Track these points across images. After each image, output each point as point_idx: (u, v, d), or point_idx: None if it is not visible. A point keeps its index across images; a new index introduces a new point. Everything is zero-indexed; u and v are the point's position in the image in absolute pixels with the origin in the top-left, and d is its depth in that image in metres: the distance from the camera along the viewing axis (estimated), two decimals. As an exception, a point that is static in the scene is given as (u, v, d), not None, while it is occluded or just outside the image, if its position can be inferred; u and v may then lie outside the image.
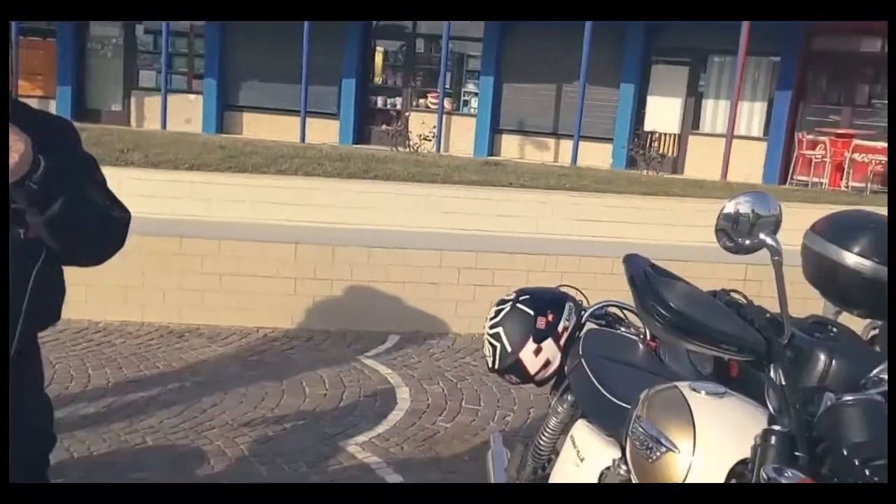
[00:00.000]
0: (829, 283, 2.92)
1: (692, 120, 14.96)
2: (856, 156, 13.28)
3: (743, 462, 1.57)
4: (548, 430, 2.60)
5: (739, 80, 13.33)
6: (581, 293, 2.78)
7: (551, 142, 15.58)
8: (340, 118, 16.21)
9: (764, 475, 1.47)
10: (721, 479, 1.59)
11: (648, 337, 2.49)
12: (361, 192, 6.27)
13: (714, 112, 14.87)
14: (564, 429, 2.52)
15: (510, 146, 15.72)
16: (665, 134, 15.00)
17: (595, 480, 2.05)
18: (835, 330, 2.64)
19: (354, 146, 14.33)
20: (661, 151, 14.69)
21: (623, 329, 2.64)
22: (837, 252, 2.78)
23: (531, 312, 2.57)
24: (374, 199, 6.26)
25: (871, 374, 1.73)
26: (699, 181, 10.03)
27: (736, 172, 12.47)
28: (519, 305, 2.60)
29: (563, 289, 2.76)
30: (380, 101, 16.69)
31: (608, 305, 2.71)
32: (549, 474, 2.53)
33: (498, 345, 2.58)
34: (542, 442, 2.60)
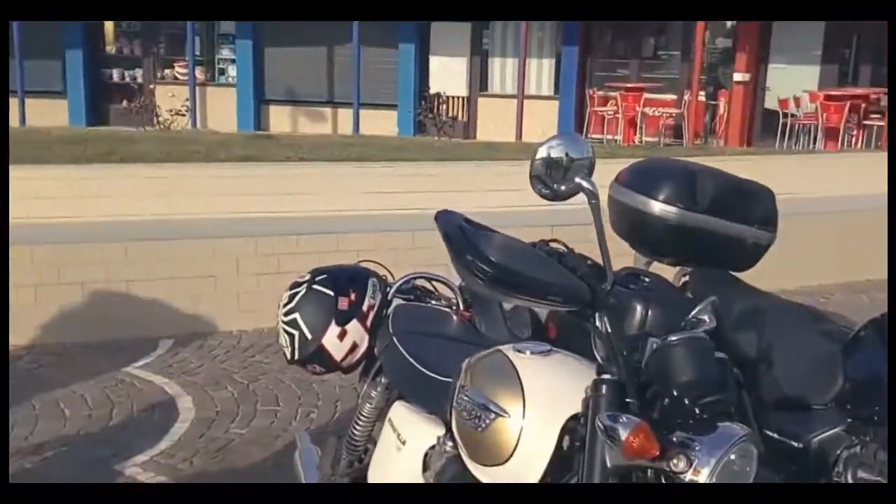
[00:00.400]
0: (637, 233, 3.23)
1: (480, 81, 15.59)
2: (647, 110, 14.47)
3: (574, 417, 1.71)
4: (361, 418, 2.64)
5: (525, 37, 14.07)
6: (385, 268, 2.83)
7: (328, 111, 15.63)
8: (69, 97, 15.35)
9: (600, 424, 1.60)
10: (554, 438, 1.71)
11: (462, 307, 2.62)
12: (105, 179, 6.01)
13: (502, 71, 15.57)
14: (380, 415, 2.57)
15: (280, 118, 15.59)
16: (453, 97, 15.52)
17: (419, 462, 2.11)
18: (647, 280, 2.92)
19: (91, 128, 13.60)
20: (451, 115, 15.19)
21: (434, 302, 2.73)
22: (643, 201, 3.08)
23: (330, 293, 2.58)
24: (122, 185, 6.03)
25: (689, 317, 1.91)
26: (494, 143, 10.51)
27: (530, 133, 13.16)
28: (316, 286, 2.60)
29: (364, 265, 2.79)
30: (116, 74, 15.98)
31: (415, 278, 2.78)
32: (367, 465, 2.58)
33: (296, 332, 2.58)
34: (356, 432, 2.64)
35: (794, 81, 14.49)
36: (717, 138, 15.02)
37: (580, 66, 15.23)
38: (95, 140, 7.23)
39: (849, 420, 2.47)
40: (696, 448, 1.59)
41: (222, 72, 16.11)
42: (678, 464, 1.57)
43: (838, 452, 2.45)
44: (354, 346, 2.58)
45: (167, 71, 16.11)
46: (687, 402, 1.62)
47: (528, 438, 1.72)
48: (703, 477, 1.57)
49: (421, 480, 2.06)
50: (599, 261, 1.76)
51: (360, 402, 2.69)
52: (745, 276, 2.97)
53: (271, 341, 5.28)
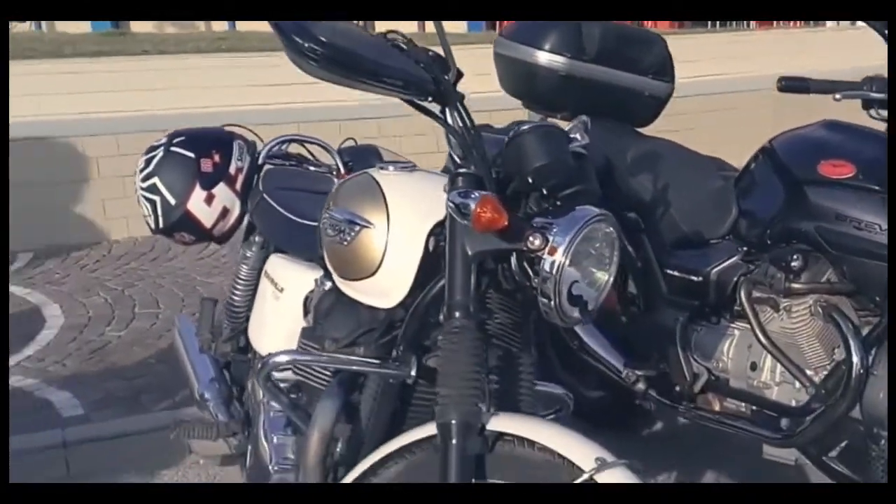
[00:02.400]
0: (526, 88, 3.51)
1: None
2: None
3: (440, 224, 1.89)
4: (239, 281, 2.80)
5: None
6: (254, 133, 2.96)
7: (201, 28, 15.40)
8: None
9: (450, 203, 1.77)
10: (421, 244, 1.91)
11: (343, 171, 2.77)
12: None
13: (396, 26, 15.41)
14: (259, 276, 2.72)
15: (143, 29, 15.30)
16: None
17: (300, 307, 2.30)
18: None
19: None
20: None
21: (314, 168, 2.87)
22: (530, 52, 3.37)
23: (191, 154, 2.72)
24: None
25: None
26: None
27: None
28: (174, 149, 2.73)
29: (230, 129, 2.92)
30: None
31: (287, 141, 2.92)
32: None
33: (157, 198, 2.72)
34: (236, 297, 2.80)
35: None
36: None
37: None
38: None
39: (744, 249, 2.84)
40: (553, 229, 1.76)
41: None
42: (534, 241, 1.75)
43: (735, 279, 2.83)
44: (225, 212, 2.75)
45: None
46: (545, 191, 1.82)
47: (394, 247, 1.91)
48: (559, 255, 1.74)
49: (302, 324, 2.24)
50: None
51: (237, 264, 2.85)
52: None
53: (146, 249, 5.51)
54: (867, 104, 2.64)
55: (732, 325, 2.83)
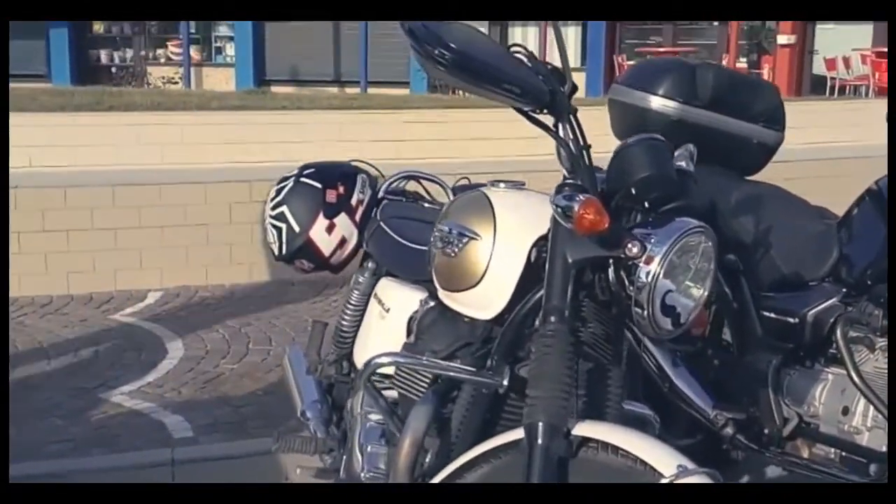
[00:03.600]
0: (637, 132, 3.42)
1: (500, 52, 15.81)
2: (682, 79, 14.59)
3: (543, 238, 1.90)
4: (349, 306, 2.79)
5: (546, 0, 14.28)
6: (376, 168, 3.02)
7: (334, 90, 15.92)
8: (53, 82, 15.73)
9: (555, 205, 1.78)
10: (523, 257, 1.92)
11: None
12: (97, 126, 6.32)
13: (523, 40, 15.82)
14: (368, 300, 2.73)
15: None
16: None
17: (403, 327, 2.29)
18: None
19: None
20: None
21: (428, 204, 2.90)
22: (642, 97, 3.29)
23: (319, 185, 2.78)
24: (112, 133, 6.34)
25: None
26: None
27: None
28: (304, 179, 2.80)
29: (356, 163, 2.99)
30: (104, 56, 16.33)
31: (406, 176, 2.98)
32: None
33: (283, 226, 2.76)
34: (345, 322, 2.79)
35: (844, 41, 14.59)
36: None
37: (608, 32, 15.45)
38: (82, 93, 7.53)
39: (843, 290, 2.67)
40: (651, 238, 1.76)
41: (219, 50, 16.48)
42: (632, 249, 1.74)
43: (832, 321, 2.65)
44: (343, 241, 2.76)
45: (160, 51, 16.49)
46: (647, 204, 1.81)
47: (498, 258, 1.93)
48: (655, 265, 1.73)
49: (404, 339, 2.24)
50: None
51: (349, 290, 2.85)
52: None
53: (265, 293, 5.55)
54: None
55: (826, 370, 2.66)
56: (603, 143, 2.94)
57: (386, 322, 2.43)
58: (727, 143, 3.17)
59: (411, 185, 2.99)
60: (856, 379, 2.47)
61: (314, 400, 2.81)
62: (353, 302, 2.78)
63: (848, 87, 14.29)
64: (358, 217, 2.78)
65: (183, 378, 4.21)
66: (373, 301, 2.58)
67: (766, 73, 15.05)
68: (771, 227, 2.90)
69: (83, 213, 5.43)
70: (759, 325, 2.84)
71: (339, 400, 2.79)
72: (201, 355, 4.51)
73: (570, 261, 1.80)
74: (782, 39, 14.89)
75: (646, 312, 1.76)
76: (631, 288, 1.76)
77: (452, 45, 1.76)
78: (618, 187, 1.83)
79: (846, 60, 14.38)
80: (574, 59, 15.60)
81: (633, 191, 1.81)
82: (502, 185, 2.10)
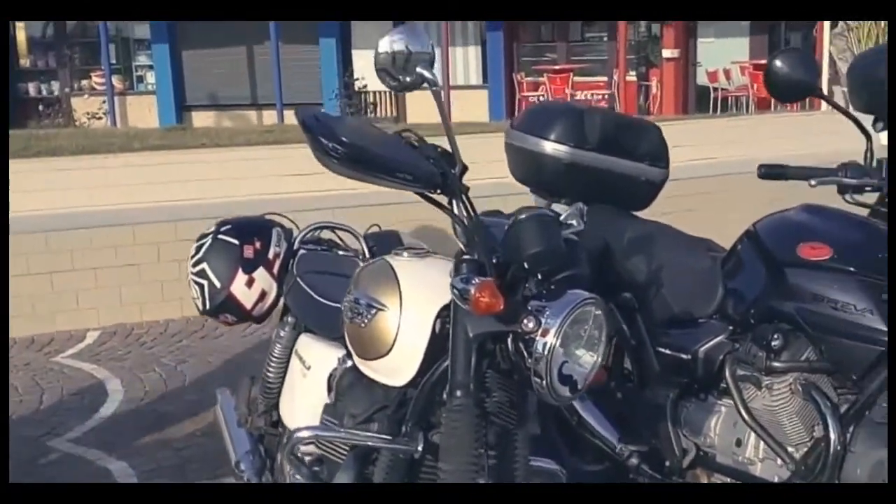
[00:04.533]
0: (533, 175, 3.49)
1: (405, 73, 15.81)
2: (577, 93, 14.88)
3: (447, 307, 1.92)
4: (273, 359, 2.79)
5: (446, 25, 14.37)
6: (290, 220, 3.01)
7: (252, 114, 15.79)
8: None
9: (454, 289, 1.80)
10: (429, 326, 1.94)
11: (368, 255, 2.78)
12: (26, 172, 6.19)
13: (428, 61, 15.83)
14: (290, 354, 2.73)
15: (204, 123, 15.70)
16: (379, 91, 15.73)
17: (324, 384, 2.30)
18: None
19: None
20: (378, 110, 15.44)
21: (342, 252, 2.91)
22: (536, 142, 3.36)
23: (236, 242, 2.77)
24: (41, 178, 6.22)
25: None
26: (426, 124, 10.74)
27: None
28: (221, 236, 2.79)
29: (270, 216, 2.98)
30: (32, 89, 15.95)
31: (320, 227, 2.97)
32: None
33: (205, 282, 2.76)
34: (269, 375, 2.79)
35: (724, 54, 15.01)
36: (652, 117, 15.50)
37: (507, 51, 15.60)
38: (12, 137, 7.35)
39: (730, 328, 2.78)
40: (546, 312, 1.79)
41: (141, 79, 16.19)
42: (528, 324, 1.78)
43: (721, 358, 2.77)
44: (263, 294, 2.77)
45: (84, 81, 16.13)
46: (539, 276, 1.83)
47: (406, 328, 1.95)
48: (550, 336, 1.76)
49: (326, 400, 2.25)
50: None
51: (271, 344, 2.85)
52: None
53: (198, 328, 5.51)
54: (842, 189, 2.61)
55: (719, 402, 2.75)
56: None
57: (308, 380, 2.44)
58: (617, 183, 3.25)
59: (326, 233, 2.99)
60: (745, 416, 2.57)
61: (246, 451, 2.84)
62: (276, 355, 2.79)
63: (730, 98, 14.69)
64: (276, 270, 2.79)
65: (124, 421, 4.17)
66: (294, 358, 2.59)
67: (654, 85, 15.40)
68: (661, 266, 2.98)
69: (19, 260, 5.32)
70: (656, 360, 2.92)
71: (271, 450, 2.81)
72: (140, 396, 4.48)
73: (471, 335, 1.82)
74: (667, 53, 15.23)
75: (544, 382, 1.78)
76: (529, 360, 1.79)
77: (345, 139, 1.78)
78: (512, 259, 1.85)
79: (727, 72, 14.78)
80: (477, 78, 15.74)
81: (526, 265, 1.82)
82: (405, 253, 2.12)
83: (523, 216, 1.86)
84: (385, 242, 2.79)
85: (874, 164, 2.60)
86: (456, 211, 1.89)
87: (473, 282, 1.76)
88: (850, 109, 2.78)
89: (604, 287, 2.90)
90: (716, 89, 14.77)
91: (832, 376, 2.51)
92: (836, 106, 2.70)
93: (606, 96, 15.17)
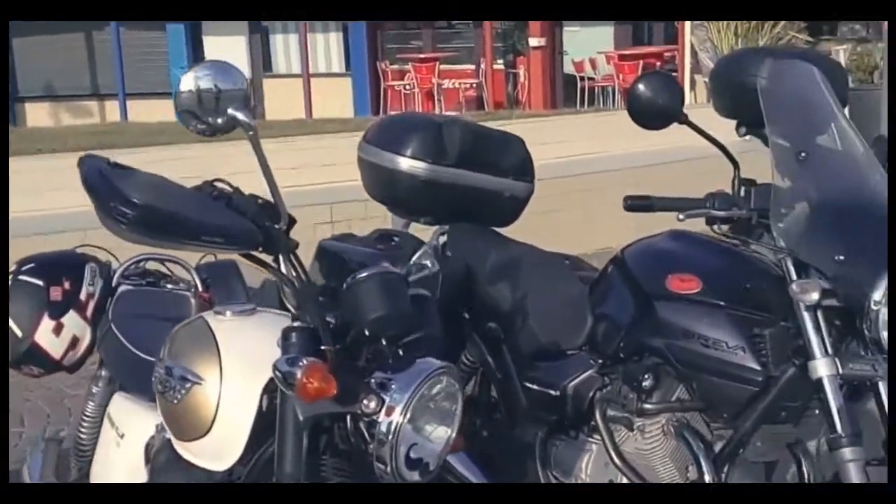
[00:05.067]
0: (389, 193, 3.29)
1: (263, 61, 15.45)
2: (444, 82, 14.79)
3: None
4: (86, 419, 2.55)
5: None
6: (109, 252, 2.68)
7: (93, 105, 15.09)
8: None
9: (277, 372, 1.57)
10: (255, 402, 1.71)
11: (201, 289, 2.57)
12: None
13: (286, 49, 15.49)
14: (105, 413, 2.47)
15: (39, 116, 14.92)
16: (234, 81, 15.27)
17: (141, 456, 2.07)
18: (396, 239, 2.99)
19: None
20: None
21: (171, 286, 2.65)
22: (391, 158, 3.15)
23: (41, 283, 2.48)
24: None
25: (410, 263, 1.85)
26: (283, 122, 10.48)
27: (325, 112, 13.17)
28: (23, 277, 2.49)
29: (83, 250, 2.68)
30: None
31: (143, 260, 2.69)
32: None
33: None
34: (82, 435, 2.54)
35: (590, 43, 15.18)
36: (521, 107, 15.53)
37: (370, 38, 15.37)
38: None
39: (599, 361, 2.65)
40: (391, 386, 1.58)
41: (-35, 69, 15.25)
42: (369, 404, 1.57)
43: (591, 395, 2.63)
44: (75, 341, 2.50)
45: None
46: (384, 341, 1.62)
47: (226, 405, 1.72)
48: (396, 415, 1.56)
49: (143, 474, 2.04)
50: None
51: (84, 401, 2.60)
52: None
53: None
54: (710, 221, 2.54)
55: (590, 440, 2.62)
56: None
57: (122, 451, 2.21)
58: (479, 199, 3.10)
59: (152, 264, 2.72)
60: (616, 461, 2.44)
61: None
62: (88, 414, 2.55)
63: (597, 88, 14.87)
64: (90, 312, 2.51)
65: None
66: (107, 422, 2.33)
67: (521, 74, 15.44)
68: (527, 293, 2.84)
69: None
70: (523, 395, 2.80)
71: None
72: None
73: (300, 419, 1.61)
74: (533, 42, 15.26)
75: (388, 468, 1.58)
76: (371, 443, 1.58)
77: (134, 200, 1.53)
78: (352, 324, 1.64)
79: (593, 62, 14.95)
80: (339, 65, 15.46)
81: (367, 332, 1.62)
82: (228, 311, 1.87)
83: (363, 275, 1.63)
84: (221, 275, 2.62)
85: (741, 192, 2.55)
86: (283, 270, 1.66)
87: (300, 364, 1.54)
88: (713, 110, 2.77)
89: (468, 315, 2.78)
90: (582, 79, 14.92)
91: (705, 413, 2.44)
92: (701, 133, 2.66)
93: (474, 85, 15.12)
